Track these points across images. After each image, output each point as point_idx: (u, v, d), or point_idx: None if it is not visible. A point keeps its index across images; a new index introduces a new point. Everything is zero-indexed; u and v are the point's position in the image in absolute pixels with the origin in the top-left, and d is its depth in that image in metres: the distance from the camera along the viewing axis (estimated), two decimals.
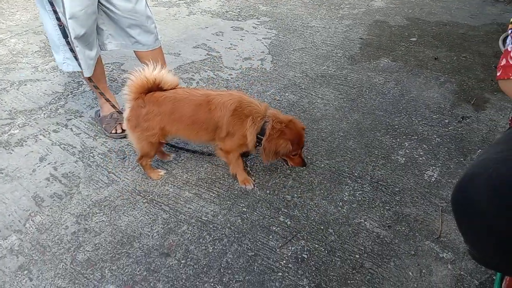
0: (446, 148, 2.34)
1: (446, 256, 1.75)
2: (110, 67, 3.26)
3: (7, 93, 2.98)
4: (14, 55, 3.54)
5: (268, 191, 2.09)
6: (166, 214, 1.98)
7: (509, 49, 1.09)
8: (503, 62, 1.12)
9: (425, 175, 2.16)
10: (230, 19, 4.18)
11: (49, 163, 2.32)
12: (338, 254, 1.76)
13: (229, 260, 1.77)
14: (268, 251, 1.80)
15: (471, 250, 1.09)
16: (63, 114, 2.74)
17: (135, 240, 1.86)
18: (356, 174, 2.18)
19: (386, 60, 3.29)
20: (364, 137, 2.45)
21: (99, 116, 2.58)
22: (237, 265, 1.75)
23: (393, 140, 2.41)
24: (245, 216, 1.97)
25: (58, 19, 2.06)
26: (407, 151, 2.33)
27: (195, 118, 1.92)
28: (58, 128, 2.60)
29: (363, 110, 2.69)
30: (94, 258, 1.79)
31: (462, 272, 1.69)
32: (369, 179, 2.14)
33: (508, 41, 1.12)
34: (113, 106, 2.39)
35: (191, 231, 1.90)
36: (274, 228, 1.90)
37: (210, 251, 1.81)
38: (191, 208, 2.01)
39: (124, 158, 2.32)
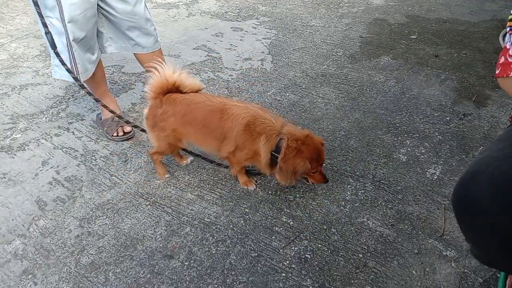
0: (448, 146, 2.33)
1: (449, 254, 1.75)
2: (110, 70, 3.27)
3: (8, 98, 2.98)
4: (14, 60, 3.55)
5: (270, 192, 2.09)
6: (169, 216, 1.99)
7: (507, 47, 1.09)
8: (502, 59, 1.12)
9: (427, 173, 2.16)
10: (229, 20, 4.18)
11: (51, 167, 2.32)
12: (341, 253, 1.76)
13: (233, 261, 1.77)
14: (271, 251, 1.80)
15: (473, 248, 1.09)
16: (65, 117, 2.74)
17: (139, 242, 1.87)
18: (358, 173, 2.18)
19: (386, 58, 3.29)
20: (365, 136, 2.44)
21: (101, 119, 2.58)
22: (240, 266, 1.75)
23: (395, 139, 2.41)
24: (247, 217, 1.97)
25: (44, 25, 2.05)
26: (409, 149, 2.33)
27: (205, 123, 1.88)
28: (60, 132, 2.60)
29: (364, 108, 2.69)
30: (98, 261, 1.79)
31: (466, 270, 1.69)
32: (371, 178, 2.14)
33: (506, 38, 1.12)
34: (112, 111, 2.38)
35: (194, 232, 1.90)
36: (277, 228, 1.90)
37: (213, 252, 1.81)
38: (193, 210, 2.01)
39: (126, 161, 2.33)
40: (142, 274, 1.73)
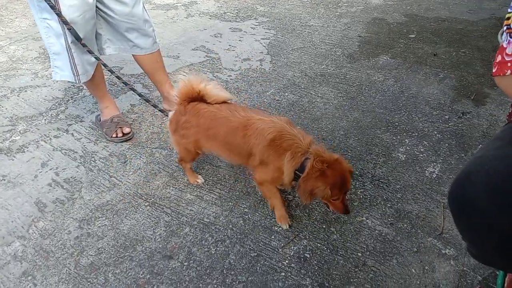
0: (447, 144, 2.33)
1: (448, 252, 1.75)
2: None
3: (7, 100, 2.99)
4: (14, 62, 3.56)
5: None
6: (168, 216, 1.99)
7: (504, 45, 1.09)
8: (499, 58, 1.12)
9: (426, 171, 2.16)
10: (228, 21, 4.19)
11: (50, 169, 2.33)
12: (340, 252, 1.76)
13: (232, 261, 1.77)
14: (271, 251, 1.80)
15: (469, 247, 1.09)
16: (64, 119, 2.75)
17: (138, 243, 1.87)
18: (357, 172, 2.18)
19: (385, 58, 3.29)
20: (364, 135, 2.44)
21: (100, 120, 2.58)
22: (239, 266, 1.75)
23: (394, 138, 2.41)
24: (247, 217, 1.97)
25: (65, 23, 2.04)
26: (408, 148, 2.33)
27: (229, 141, 1.83)
28: (59, 134, 2.61)
29: (363, 108, 2.69)
30: (98, 262, 1.80)
31: (465, 268, 1.69)
32: (370, 177, 2.14)
33: (504, 37, 1.12)
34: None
35: (193, 233, 1.90)
36: (276, 228, 1.90)
37: (213, 252, 1.81)
38: (193, 210, 2.02)
39: (125, 162, 2.33)
40: (141, 274, 1.74)
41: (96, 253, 1.84)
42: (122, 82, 2.34)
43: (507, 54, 1.08)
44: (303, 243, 1.82)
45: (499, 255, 1.00)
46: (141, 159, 2.34)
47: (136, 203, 2.06)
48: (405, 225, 1.88)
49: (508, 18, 1.09)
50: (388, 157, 2.27)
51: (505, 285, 1.57)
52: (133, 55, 2.47)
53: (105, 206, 2.06)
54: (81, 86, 3.09)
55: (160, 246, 1.85)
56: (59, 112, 2.82)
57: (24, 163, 2.38)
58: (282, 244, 1.83)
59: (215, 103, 1.90)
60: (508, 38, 1.09)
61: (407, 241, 1.81)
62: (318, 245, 1.81)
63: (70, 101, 2.95)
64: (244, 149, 1.78)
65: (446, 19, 3.91)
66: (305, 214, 1.95)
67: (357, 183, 2.11)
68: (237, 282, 1.68)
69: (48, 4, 1.96)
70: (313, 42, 3.62)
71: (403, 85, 2.91)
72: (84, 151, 2.44)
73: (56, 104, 2.92)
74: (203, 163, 2.29)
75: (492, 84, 2.84)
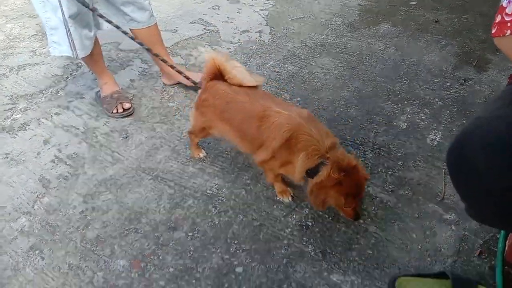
0: (448, 111, 2.32)
1: (450, 217, 1.77)
2: (107, 47, 3.24)
3: (6, 79, 2.98)
4: (11, 40, 3.52)
5: None
6: (171, 189, 2.01)
7: (504, 5, 1.07)
8: (498, 18, 1.09)
9: (428, 139, 2.16)
10: None
11: (53, 146, 2.34)
12: (342, 220, 1.78)
13: (235, 230, 1.80)
14: (273, 220, 1.83)
15: (468, 208, 1.09)
16: (64, 96, 2.74)
17: (142, 216, 1.89)
18: (358, 141, 2.18)
19: (386, 26, 3.24)
20: (365, 105, 2.43)
21: (100, 96, 2.58)
22: (243, 235, 1.77)
23: (395, 106, 2.40)
24: (249, 188, 1.99)
25: None
26: (409, 116, 2.32)
27: (242, 128, 1.76)
28: (60, 111, 2.60)
29: (363, 77, 2.67)
30: (103, 235, 1.83)
31: (466, 232, 1.71)
32: (371, 145, 2.15)
33: None
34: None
35: (196, 204, 1.92)
36: (278, 198, 1.92)
37: (216, 223, 1.84)
38: (195, 183, 2.03)
39: (127, 137, 2.33)
40: (147, 246, 1.77)
41: (101, 226, 1.86)
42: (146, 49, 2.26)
43: (506, 14, 1.06)
44: (305, 211, 1.84)
45: (498, 216, 1.00)
46: (143, 134, 2.35)
47: (139, 177, 2.08)
48: (406, 192, 1.89)
49: None
50: (389, 125, 2.27)
51: (506, 248, 1.60)
52: (130, 29, 2.44)
53: (108, 180, 2.08)
54: (80, 63, 3.07)
55: (165, 218, 1.88)
56: (59, 90, 2.81)
57: (26, 140, 2.39)
58: (285, 213, 1.85)
59: (236, 85, 1.81)
60: None
61: (408, 207, 1.82)
62: (320, 213, 1.82)
63: (69, 78, 2.94)
64: (256, 140, 1.71)
65: None
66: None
67: (358, 152, 2.11)
68: (240, 251, 1.71)
69: None
70: (313, 12, 3.56)
71: (404, 53, 2.88)
72: (86, 127, 2.44)
73: (56, 81, 2.91)
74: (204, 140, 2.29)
75: (495, 50, 2.80)
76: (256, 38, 3.22)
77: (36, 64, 3.14)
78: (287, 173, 1.75)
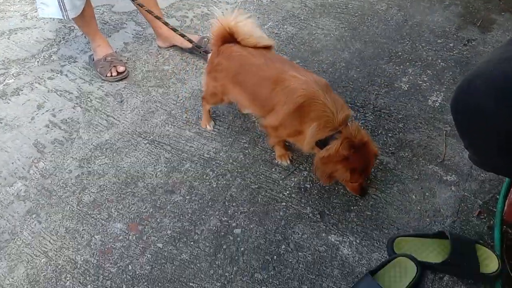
0: (451, 73, 2.27)
1: (449, 178, 1.75)
2: (100, 9, 3.13)
3: None
4: (1, 4, 3.41)
5: None
6: (168, 153, 1.98)
7: None
8: None
9: (429, 100, 2.11)
10: None
11: (47, 110, 2.29)
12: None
13: (233, 193, 1.78)
14: (271, 183, 1.81)
15: (472, 154, 1.06)
16: (57, 60, 2.67)
17: (139, 179, 1.87)
18: (358, 103, 2.14)
19: None
20: (366, 66, 2.37)
21: (93, 60, 2.51)
22: (241, 198, 1.76)
23: (397, 67, 2.34)
24: (247, 151, 1.96)
25: None
26: (411, 77, 2.26)
27: (255, 91, 1.69)
28: (53, 75, 2.54)
29: (365, 38, 2.59)
30: (100, 199, 1.81)
31: (465, 193, 1.69)
32: (371, 107, 2.10)
33: None
34: (190, 40, 2.16)
35: (194, 168, 1.90)
36: (276, 161, 1.89)
37: (214, 186, 1.82)
38: (193, 147, 2.00)
39: (122, 101, 2.29)
40: (144, 209, 1.76)
41: (98, 190, 1.85)
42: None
43: None
44: (304, 174, 1.82)
45: (502, 161, 0.96)
46: (138, 97, 2.30)
47: (135, 141, 2.05)
48: (406, 154, 1.86)
49: None
50: (391, 87, 2.22)
51: (505, 208, 1.59)
52: None
53: (104, 145, 2.05)
54: (72, 26, 2.98)
55: (162, 181, 1.86)
56: (51, 54, 2.74)
57: (20, 105, 2.35)
58: (283, 176, 1.83)
59: (251, 46, 1.73)
60: None
61: (408, 169, 1.80)
62: None
63: (62, 42, 2.86)
64: (268, 104, 1.65)
65: None
66: None
67: (359, 114, 2.07)
68: (239, 213, 1.70)
69: None
70: None
71: (407, 13, 2.78)
72: (80, 92, 2.39)
73: (48, 45, 2.83)
74: (201, 100, 2.24)
75: (500, 9, 2.72)
76: None
77: (28, 28, 3.05)
78: (295, 142, 1.70)
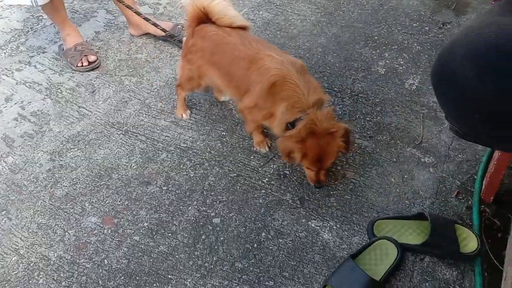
0: (427, 56, 2.27)
1: (427, 160, 1.75)
2: None
3: None
4: None
5: None
6: (143, 144, 1.92)
7: None
8: None
9: (406, 83, 2.11)
10: None
11: (15, 103, 2.20)
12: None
13: (211, 182, 1.75)
14: (250, 171, 1.78)
15: (452, 125, 1.03)
16: (25, 51, 2.56)
17: (113, 171, 1.82)
18: (336, 88, 2.12)
19: None
20: (343, 51, 2.35)
21: (63, 50, 2.42)
22: (219, 186, 1.73)
23: (373, 52, 2.33)
24: (224, 139, 1.92)
25: None
26: (387, 61, 2.26)
27: (230, 70, 1.67)
28: (21, 67, 2.44)
29: (341, 23, 2.57)
30: (73, 192, 1.75)
31: (444, 174, 1.70)
32: (349, 92, 2.09)
33: None
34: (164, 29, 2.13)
35: (170, 158, 1.86)
36: (254, 149, 1.86)
37: (192, 175, 1.78)
38: (168, 136, 1.95)
39: (93, 91, 2.21)
40: (119, 201, 1.70)
41: (70, 184, 1.78)
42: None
43: None
44: (282, 161, 1.79)
45: (483, 129, 0.94)
46: (110, 87, 2.23)
47: (109, 132, 1.99)
48: (384, 137, 1.86)
49: None
50: (368, 71, 2.20)
51: (483, 187, 1.59)
52: None
53: (76, 137, 1.98)
54: (41, 15, 2.86)
55: (137, 173, 1.81)
56: (19, 44, 2.63)
57: None
58: (262, 164, 1.80)
59: (226, 26, 1.70)
60: None
61: (386, 152, 1.79)
62: None
63: (30, 32, 2.74)
64: (243, 83, 1.63)
65: None
66: None
67: (336, 99, 2.05)
68: (217, 202, 1.67)
69: None
70: None
71: None
72: (49, 83, 2.30)
73: (16, 36, 2.71)
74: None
75: None
76: None
77: None
78: (270, 125, 1.68)
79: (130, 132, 1.98)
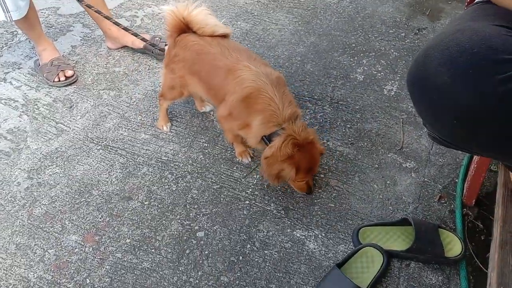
0: (404, 61, 2.30)
1: (409, 165, 1.77)
2: (45, 12, 2.98)
3: None
4: None
5: None
6: (123, 158, 1.89)
7: None
8: None
9: (385, 90, 2.13)
10: None
11: None
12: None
13: (194, 195, 1.72)
14: (233, 182, 1.76)
15: (430, 132, 1.03)
16: (0, 68, 2.51)
17: (93, 188, 1.78)
18: (316, 96, 2.13)
19: None
20: (322, 59, 2.37)
21: (39, 65, 2.37)
22: (202, 199, 1.71)
23: (351, 59, 2.35)
24: (206, 151, 1.91)
25: None
26: (366, 68, 2.28)
27: (209, 79, 1.68)
28: None
29: (319, 32, 2.59)
30: (52, 211, 1.71)
31: (425, 179, 1.72)
32: (329, 100, 2.10)
33: None
34: (144, 39, 2.12)
35: (151, 172, 1.83)
36: (237, 159, 1.85)
37: (174, 189, 1.76)
38: (149, 150, 1.93)
39: (71, 107, 2.17)
40: (100, 218, 1.67)
41: (49, 202, 1.74)
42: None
43: None
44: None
45: (460, 135, 0.94)
46: (88, 102, 2.19)
47: (87, 148, 1.95)
48: (365, 144, 1.87)
49: None
50: (346, 79, 2.22)
51: (465, 191, 1.61)
52: None
53: (54, 153, 1.94)
54: (15, 31, 2.81)
55: (118, 188, 1.77)
56: None
57: None
58: (245, 174, 1.79)
59: (208, 35, 1.70)
60: None
61: (368, 158, 1.80)
62: None
63: (4, 48, 2.69)
64: (220, 92, 1.63)
65: None
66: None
67: (316, 107, 2.06)
68: (201, 215, 1.65)
69: None
70: None
71: (358, 5, 2.81)
72: (26, 99, 2.25)
73: None
74: (156, 101, 2.16)
75: None
76: None
77: None
78: (245, 136, 1.67)
79: (109, 147, 1.94)
